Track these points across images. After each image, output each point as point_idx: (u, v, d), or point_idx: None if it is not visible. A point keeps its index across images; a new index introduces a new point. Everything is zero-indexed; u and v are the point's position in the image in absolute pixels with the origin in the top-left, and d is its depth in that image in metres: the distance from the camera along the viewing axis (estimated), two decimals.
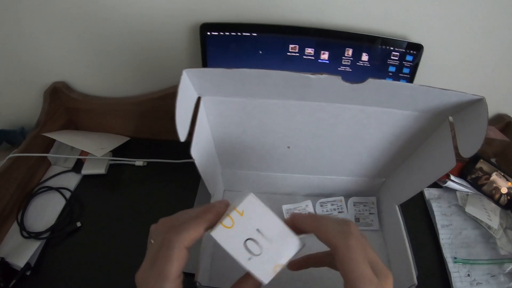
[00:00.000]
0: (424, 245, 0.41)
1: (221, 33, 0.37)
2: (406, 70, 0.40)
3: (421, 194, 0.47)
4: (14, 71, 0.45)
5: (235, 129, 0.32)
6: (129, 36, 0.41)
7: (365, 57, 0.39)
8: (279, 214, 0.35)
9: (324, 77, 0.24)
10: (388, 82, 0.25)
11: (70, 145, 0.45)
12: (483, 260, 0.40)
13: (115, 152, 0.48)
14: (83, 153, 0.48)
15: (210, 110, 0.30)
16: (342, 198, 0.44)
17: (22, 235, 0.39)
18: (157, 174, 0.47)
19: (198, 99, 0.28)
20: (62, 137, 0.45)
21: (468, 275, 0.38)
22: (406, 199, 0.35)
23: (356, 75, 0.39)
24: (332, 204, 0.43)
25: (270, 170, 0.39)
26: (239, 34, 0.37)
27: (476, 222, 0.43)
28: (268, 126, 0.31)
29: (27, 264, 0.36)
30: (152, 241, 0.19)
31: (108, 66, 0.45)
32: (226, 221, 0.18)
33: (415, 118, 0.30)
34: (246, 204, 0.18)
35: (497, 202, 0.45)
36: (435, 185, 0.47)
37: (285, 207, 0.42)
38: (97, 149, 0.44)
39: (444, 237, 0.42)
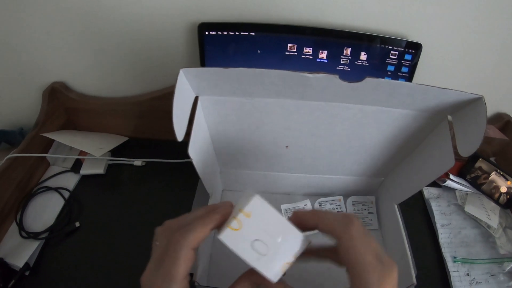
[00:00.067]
0: (423, 245, 0.41)
1: (219, 33, 0.37)
2: (405, 69, 0.40)
3: (420, 193, 0.47)
4: (13, 71, 0.45)
5: (233, 128, 0.32)
6: (128, 36, 0.41)
7: (363, 56, 0.38)
8: None
9: (322, 76, 0.24)
10: (386, 81, 0.25)
11: (69, 145, 0.45)
12: (483, 260, 0.40)
13: (114, 152, 0.48)
14: (82, 153, 0.48)
15: (208, 110, 0.29)
16: (341, 197, 0.44)
17: (21, 235, 0.39)
18: (155, 174, 0.47)
19: (196, 99, 0.28)
20: (61, 137, 0.45)
21: (468, 274, 0.38)
22: (405, 199, 0.35)
23: (355, 74, 0.39)
24: (331, 204, 0.43)
25: (269, 169, 0.39)
26: (237, 33, 0.37)
27: (475, 221, 0.43)
28: (266, 125, 0.31)
29: (26, 264, 0.36)
30: (158, 243, 0.19)
31: (107, 66, 0.45)
32: (234, 223, 0.18)
33: (413, 117, 0.30)
34: (253, 205, 0.18)
35: (496, 201, 0.45)
36: (434, 184, 0.47)
37: (283, 207, 0.42)
38: (95, 149, 0.44)
39: (443, 236, 0.42)
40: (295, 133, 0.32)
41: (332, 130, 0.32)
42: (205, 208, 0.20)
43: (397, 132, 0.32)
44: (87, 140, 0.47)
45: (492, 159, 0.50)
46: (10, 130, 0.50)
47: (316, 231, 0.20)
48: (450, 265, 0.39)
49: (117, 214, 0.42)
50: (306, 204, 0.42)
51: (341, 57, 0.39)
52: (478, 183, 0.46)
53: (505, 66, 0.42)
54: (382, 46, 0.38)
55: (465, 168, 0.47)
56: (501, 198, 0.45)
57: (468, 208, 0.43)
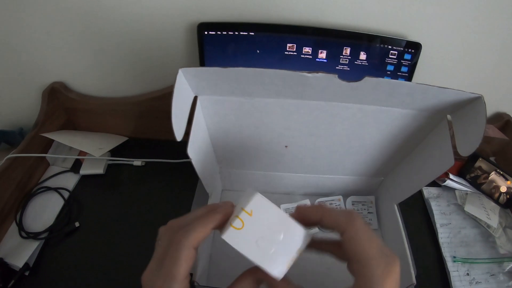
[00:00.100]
0: (423, 244, 0.41)
1: (219, 33, 0.37)
2: (404, 69, 0.40)
3: (420, 193, 0.47)
4: (13, 71, 0.45)
5: (232, 128, 0.32)
6: (127, 36, 0.41)
7: (363, 56, 0.38)
8: None
9: (321, 75, 0.24)
10: (386, 80, 0.25)
11: (69, 145, 0.45)
12: (482, 259, 0.40)
13: (114, 152, 0.48)
14: (81, 153, 0.48)
15: (207, 110, 0.29)
16: (340, 197, 0.44)
17: (20, 235, 0.39)
18: (155, 174, 0.47)
19: (195, 98, 0.28)
20: (61, 137, 0.45)
21: (467, 274, 0.38)
22: (404, 198, 0.35)
23: (354, 74, 0.39)
24: (330, 203, 0.43)
25: (268, 169, 0.39)
26: (236, 33, 0.37)
27: (475, 221, 0.43)
28: (265, 125, 0.31)
29: (26, 264, 0.36)
30: (160, 242, 0.19)
31: (106, 66, 0.45)
32: (236, 222, 0.18)
33: (413, 117, 0.30)
34: (254, 203, 0.18)
35: (496, 201, 0.45)
36: (434, 184, 0.47)
37: (283, 207, 0.42)
38: (95, 149, 0.44)
39: (443, 236, 0.42)
40: (295, 132, 0.32)
41: (332, 130, 0.31)
42: (206, 208, 0.20)
43: (397, 132, 0.32)
44: (87, 140, 0.47)
45: (492, 158, 0.50)
46: (10, 130, 0.50)
47: (316, 230, 0.20)
48: (449, 264, 0.39)
49: (117, 214, 0.42)
50: (305, 204, 0.42)
51: (341, 56, 0.39)
52: (478, 183, 0.46)
53: (505, 66, 0.42)
54: (382, 45, 0.38)
55: (465, 167, 0.47)
56: (501, 197, 0.45)
57: (468, 208, 0.43)
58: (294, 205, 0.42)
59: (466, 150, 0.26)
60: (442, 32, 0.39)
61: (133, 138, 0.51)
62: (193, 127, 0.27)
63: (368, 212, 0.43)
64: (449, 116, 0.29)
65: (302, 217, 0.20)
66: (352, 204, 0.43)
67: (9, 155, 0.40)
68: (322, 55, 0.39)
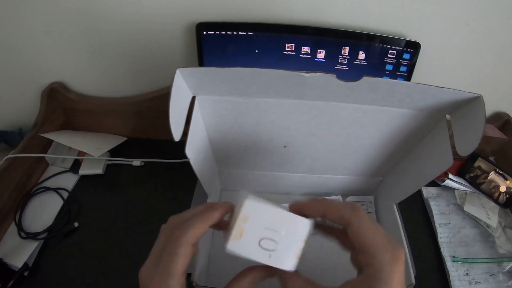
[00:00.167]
0: (422, 244, 0.41)
1: (217, 32, 0.37)
2: (403, 69, 0.40)
3: (419, 193, 0.46)
4: (12, 72, 0.45)
5: (230, 128, 0.32)
6: (126, 36, 0.41)
7: (361, 55, 0.38)
8: None
9: (319, 75, 0.24)
10: (384, 80, 0.24)
11: (68, 146, 0.45)
12: (482, 259, 0.40)
13: (113, 152, 0.48)
14: (80, 153, 0.48)
15: (205, 110, 0.29)
16: (339, 197, 0.43)
17: (20, 235, 0.39)
18: (154, 174, 0.47)
19: (193, 98, 0.28)
20: (60, 138, 0.45)
21: (467, 274, 0.38)
22: (403, 198, 0.35)
23: (353, 73, 0.39)
24: None
25: (267, 169, 0.39)
26: (235, 33, 0.37)
27: (474, 221, 0.43)
28: (263, 125, 0.31)
29: (25, 264, 0.36)
30: (159, 239, 0.20)
31: (106, 66, 0.45)
32: (235, 232, 0.18)
33: (412, 117, 0.30)
34: (247, 208, 0.18)
35: (495, 200, 0.45)
36: (433, 183, 0.47)
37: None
38: (94, 149, 0.44)
39: (442, 236, 0.42)
40: (293, 132, 0.32)
41: (331, 130, 0.31)
42: (205, 205, 0.20)
43: (396, 132, 0.32)
44: (86, 140, 0.47)
45: (491, 158, 0.49)
46: (9, 130, 0.50)
47: (316, 231, 0.20)
48: (449, 264, 0.39)
49: (116, 214, 0.42)
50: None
51: (339, 56, 0.38)
52: (477, 183, 0.46)
53: (504, 65, 0.42)
54: (381, 45, 0.38)
55: (464, 167, 0.47)
56: (501, 197, 0.45)
57: (467, 208, 0.43)
58: None
59: (465, 150, 0.25)
60: (441, 32, 0.39)
61: (132, 138, 0.51)
62: (191, 127, 0.27)
63: (367, 212, 0.43)
64: (448, 116, 0.29)
65: (303, 211, 0.20)
66: None
67: (8, 155, 0.40)
68: (321, 54, 0.39)
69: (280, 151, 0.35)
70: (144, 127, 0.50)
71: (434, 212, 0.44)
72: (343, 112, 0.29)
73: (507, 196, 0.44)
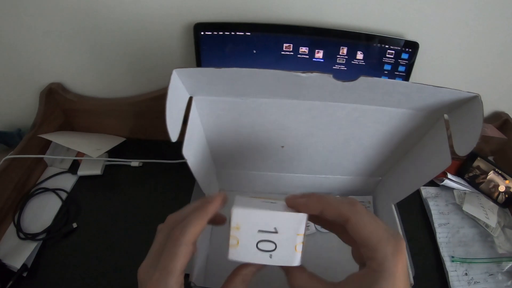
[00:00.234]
0: (421, 244, 0.41)
1: (215, 33, 0.37)
2: (401, 68, 0.40)
3: (418, 193, 0.46)
4: (10, 72, 0.45)
5: (228, 128, 0.32)
6: (125, 36, 0.41)
7: (360, 55, 0.38)
8: None
9: (315, 75, 0.24)
10: (381, 80, 0.24)
11: (66, 146, 0.45)
12: (481, 259, 0.40)
13: (111, 153, 0.48)
14: (79, 154, 0.48)
15: (202, 110, 0.29)
16: (338, 197, 0.43)
17: (18, 236, 0.39)
18: (152, 174, 0.47)
19: (190, 99, 0.28)
20: (58, 138, 0.45)
21: (466, 274, 0.38)
22: (402, 198, 0.35)
23: (351, 73, 0.39)
24: None
25: (265, 169, 0.39)
26: (233, 33, 0.37)
27: (473, 221, 0.43)
28: (261, 125, 0.31)
29: (24, 265, 0.36)
30: (158, 238, 0.20)
31: (104, 67, 0.45)
32: (232, 241, 0.19)
33: (410, 116, 0.29)
34: (236, 218, 0.19)
35: (495, 200, 0.45)
36: (432, 183, 0.47)
37: None
38: (93, 150, 0.44)
39: (441, 236, 0.41)
40: (291, 133, 0.32)
41: (328, 130, 0.31)
42: (200, 201, 0.21)
43: (394, 131, 0.32)
44: (84, 141, 0.47)
45: (490, 158, 0.49)
46: (8, 131, 0.50)
47: (314, 230, 0.19)
48: (448, 264, 0.39)
49: (114, 215, 0.42)
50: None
51: (338, 56, 0.38)
52: (476, 182, 0.46)
53: (503, 65, 0.42)
54: (379, 45, 0.38)
55: (463, 167, 0.47)
56: (500, 197, 0.45)
57: (466, 208, 0.43)
58: None
59: (463, 150, 0.25)
60: (440, 32, 0.38)
61: (131, 139, 0.51)
62: (188, 128, 0.27)
63: None
64: (446, 116, 0.29)
65: (299, 209, 0.20)
66: None
67: (7, 156, 0.40)
68: (319, 54, 0.38)
69: (278, 151, 0.35)
70: (142, 127, 0.50)
71: (433, 212, 0.44)
72: (341, 112, 0.29)
73: (506, 195, 0.44)
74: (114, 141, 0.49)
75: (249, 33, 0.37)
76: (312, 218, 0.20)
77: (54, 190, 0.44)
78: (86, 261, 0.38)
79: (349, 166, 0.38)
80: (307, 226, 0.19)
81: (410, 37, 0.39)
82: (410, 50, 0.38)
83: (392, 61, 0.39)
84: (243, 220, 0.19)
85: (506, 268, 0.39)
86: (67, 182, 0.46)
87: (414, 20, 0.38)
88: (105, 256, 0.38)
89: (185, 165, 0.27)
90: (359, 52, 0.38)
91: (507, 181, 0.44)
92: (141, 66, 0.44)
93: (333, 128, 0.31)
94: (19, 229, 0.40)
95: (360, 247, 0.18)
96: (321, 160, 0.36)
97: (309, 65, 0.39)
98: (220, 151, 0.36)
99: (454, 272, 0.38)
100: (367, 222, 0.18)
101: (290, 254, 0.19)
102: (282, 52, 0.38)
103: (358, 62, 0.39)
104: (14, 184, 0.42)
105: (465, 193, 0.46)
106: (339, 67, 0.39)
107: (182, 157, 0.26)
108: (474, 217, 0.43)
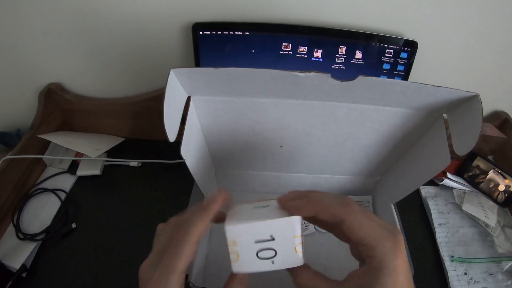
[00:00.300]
0: (420, 244, 0.41)
1: (213, 33, 0.37)
2: (400, 68, 0.39)
3: (417, 192, 0.46)
4: (9, 73, 0.45)
5: (226, 128, 0.32)
6: (123, 36, 0.41)
7: (358, 54, 0.38)
8: None
9: (313, 75, 0.24)
10: (379, 79, 0.24)
11: (65, 147, 0.45)
12: (481, 259, 0.40)
13: (110, 153, 0.48)
14: (78, 154, 0.48)
15: (201, 110, 0.29)
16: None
17: (17, 236, 0.39)
18: (152, 174, 0.47)
19: (188, 99, 0.28)
20: (57, 139, 0.45)
21: (466, 273, 0.38)
22: (401, 198, 0.35)
23: (350, 73, 0.39)
24: None
25: (264, 169, 0.39)
26: (231, 33, 0.37)
27: (473, 220, 0.43)
28: (259, 125, 0.31)
29: (23, 265, 0.36)
30: (161, 237, 0.20)
31: (103, 67, 0.45)
32: (232, 256, 0.19)
33: (408, 116, 0.29)
34: (231, 235, 0.19)
35: (494, 199, 0.45)
36: (431, 183, 0.47)
37: None
38: (92, 150, 0.44)
39: (441, 235, 0.41)
40: (290, 132, 0.32)
41: (327, 129, 0.31)
42: (203, 201, 0.21)
43: (393, 131, 0.31)
44: (83, 141, 0.47)
45: (490, 157, 0.49)
46: (7, 131, 0.50)
47: (313, 230, 0.19)
48: (447, 264, 0.39)
49: (114, 215, 0.42)
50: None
51: (336, 55, 0.38)
52: (476, 182, 0.46)
53: (503, 64, 0.42)
54: (378, 44, 0.38)
55: (462, 166, 0.47)
56: (499, 196, 0.45)
57: (466, 207, 0.43)
58: None
59: (462, 149, 0.25)
60: (439, 31, 0.38)
61: (130, 139, 0.51)
62: (187, 128, 0.27)
63: None
64: (445, 115, 0.28)
65: (293, 212, 0.20)
66: None
67: (6, 157, 0.40)
68: (318, 54, 0.38)
69: (277, 151, 0.35)
70: (141, 127, 0.50)
71: (432, 211, 0.44)
72: (340, 112, 0.29)
73: (506, 195, 0.44)
74: (113, 141, 0.49)
75: (247, 33, 0.37)
76: (307, 218, 0.20)
77: (53, 190, 0.44)
78: (85, 261, 0.38)
79: (348, 166, 0.38)
80: (306, 226, 0.20)
81: (409, 36, 0.39)
82: (409, 49, 0.38)
83: (391, 60, 0.39)
84: (238, 236, 0.19)
85: (506, 267, 0.38)
86: (66, 182, 0.46)
87: (413, 19, 0.38)
88: (105, 256, 0.38)
89: (184, 165, 0.27)
90: (358, 52, 0.38)
91: (506, 181, 0.44)
92: (140, 66, 0.44)
93: (332, 128, 0.31)
94: (18, 229, 0.40)
95: (358, 246, 0.18)
96: (320, 159, 0.36)
97: (308, 64, 0.39)
98: (218, 151, 0.36)
99: (453, 271, 0.38)
100: (363, 221, 0.18)
101: (292, 256, 0.19)
102: (281, 52, 0.38)
103: (357, 61, 0.39)
104: (13, 184, 0.42)
105: (464, 193, 0.46)
106: (338, 66, 0.39)
107: (181, 157, 0.26)
108: (474, 216, 0.42)
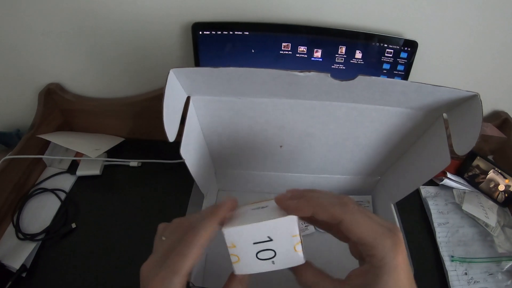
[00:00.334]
0: (420, 244, 0.41)
1: (213, 32, 0.37)
2: (400, 68, 0.39)
3: (417, 192, 0.46)
4: (9, 73, 0.45)
5: (226, 128, 0.32)
6: (123, 36, 0.41)
7: (358, 54, 0.38)
8: None
9: (313, 74, 0.24)
10: (379, 79, 0.24)
11: (65, 147, 0.45)
12: (481, 258, 0.39)
13: (110, 153, 0.48)
14: (78, 154, 0.48)
15: (200, 110, 0.29)
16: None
17: (17, 236, 0.39)
18: (151, 174, 0.47)
19: (188, 99, 0.28)
20: (57, 139, 0.45)
21: (466, 273, 0.38)
22: (401, 198, 0.35)
23: (350, 72, 0.39)
24: None
25: (263, 169, 0.39)
26: (231, 33, 0.37)
27: (473, 220, 0.43)
28: (259, 125, 0.31)
29: (23, 265, 0.36)
30: (164, 238, 0.20)
31: (102, 67, 0.45)
32: (232, 259, 0.20)
33: (408, 116, 0.29)
34: (228, 237, 0.19)
35: (494, 199, 0.45)
36: (431, 183, 0.47)
37: None
38: (91, 150, 0.44)
39: (441, 235, 0.41)
40: (289, 132, 0.32)
41: (327, 129, 0.31)
42: (212, 206, 0.21)
43: (392, 130, 0.31)
44: (83, 141, 0.47)
45: (490, 157, 0.49)
46: (6, 131, 0.50)
47: (312, 230, 0.19)
48: (447, 264, 0.39)
49: (113, 215, 0.42)
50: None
51: (336, 55, 0.38)
52: (476, 182, 0.46)
53: (503, 64, 0.42)
54: (378, 44, 0.38)
55: (462, 166, 0.47)
56: (499, 196, 0.45)
57: (466, 207, 0.43)
58: None
59: (462, 149, 0.25)
60: (439, 31, 0.38)
61: (129, 139, 0.51)
62: (186, 128, 0.27)
63: None
64: (445, 115, 0.28)
65: (291, 212, 0.19)
66: None
67: (6, 157, 0.40)
68: (318, 54, 0.38)
69: (277, 151, 0.35)
70: (141, 127, 0.50)
71: (432, 211, 0.44)
72: (339, 112, 0.29)
73: (506, 195, 0.44)
74: (113, 141, 0.49)
75: (247, 33, 0.37)
76: (305, 218, 0.20)
77: (53, 190, 0.44)
78: (85, 261, 0.38)
79: (348, 166, 0.38)
80: (305, 226, 0.20)
81: (409, 36, 0.39)
82: (409, 49, 0.38)
83: (391, 60, 0.39)
84: (236, 238, 0.19)
85: (506, 267, 0.38)
86: (66, 182, 0.46)
87: (413, 19, 0.37)
88: (104, 256, 0.38)
89: (184, 165, 0.27)
90: (357, 51, 0.38)
91: (506, 180, 0.44)
92: (140, 66, 0.44)
93: (332, 128, 0.31)
94: (18, 229, 0.40)
95: (357, 245, 0.18)
96: (320, 159, 0.36)
97: (307, 64, 0.39)
98: (218, 151, 0.36)
99: (453, 271, 0.38)
100: (361, 220, 0.18)
101: (292, 255, 0.19)
102: (281, 52, 0.38)
103: (357, 61, 0.39)
104: (13, 184, 0.42)
105: (464, 193, 0.46)
106: (338, 66, 0.39)
107: (181, 157, 0.25)
108: (474, 216, 0.42)
